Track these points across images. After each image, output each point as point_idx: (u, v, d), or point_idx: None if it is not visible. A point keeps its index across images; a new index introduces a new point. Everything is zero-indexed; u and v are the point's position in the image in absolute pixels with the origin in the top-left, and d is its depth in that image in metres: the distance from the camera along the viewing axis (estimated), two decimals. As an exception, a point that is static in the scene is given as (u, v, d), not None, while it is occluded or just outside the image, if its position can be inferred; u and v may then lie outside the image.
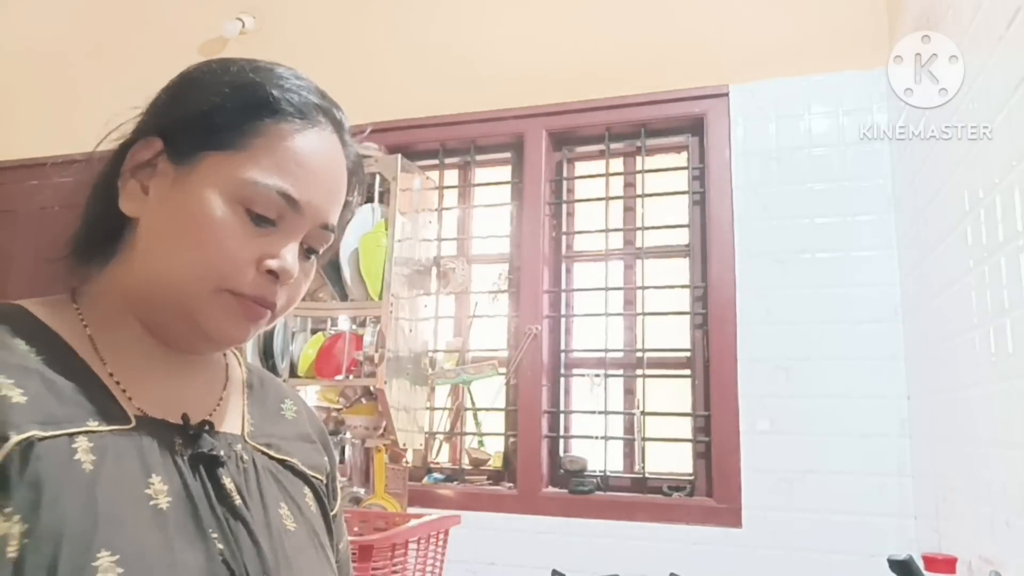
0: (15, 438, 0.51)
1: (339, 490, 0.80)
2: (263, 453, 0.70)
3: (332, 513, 0.76)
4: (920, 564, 1.47)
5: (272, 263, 0.62)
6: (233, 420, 0.70)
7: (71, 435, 0.54)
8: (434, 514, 2.16)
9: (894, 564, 1.44)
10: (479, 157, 2.76)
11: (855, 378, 2.13)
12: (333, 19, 2.89)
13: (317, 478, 0.74)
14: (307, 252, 0.67)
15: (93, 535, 0.52)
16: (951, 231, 1.64)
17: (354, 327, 2.58)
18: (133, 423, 0.59)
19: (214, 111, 0.63)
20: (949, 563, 1.53)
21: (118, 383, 0.61)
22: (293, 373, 2.50)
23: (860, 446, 2.10)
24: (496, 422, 2.61)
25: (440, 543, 2.10)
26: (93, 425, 0.56)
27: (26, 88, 3.33)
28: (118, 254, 0.66)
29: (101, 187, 0.66)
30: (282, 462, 0.71)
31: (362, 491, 2.42)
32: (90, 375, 0.60)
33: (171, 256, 0.61)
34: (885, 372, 2.11)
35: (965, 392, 1.58)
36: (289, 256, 0.63)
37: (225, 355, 0.75)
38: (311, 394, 2.67)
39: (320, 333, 2.57)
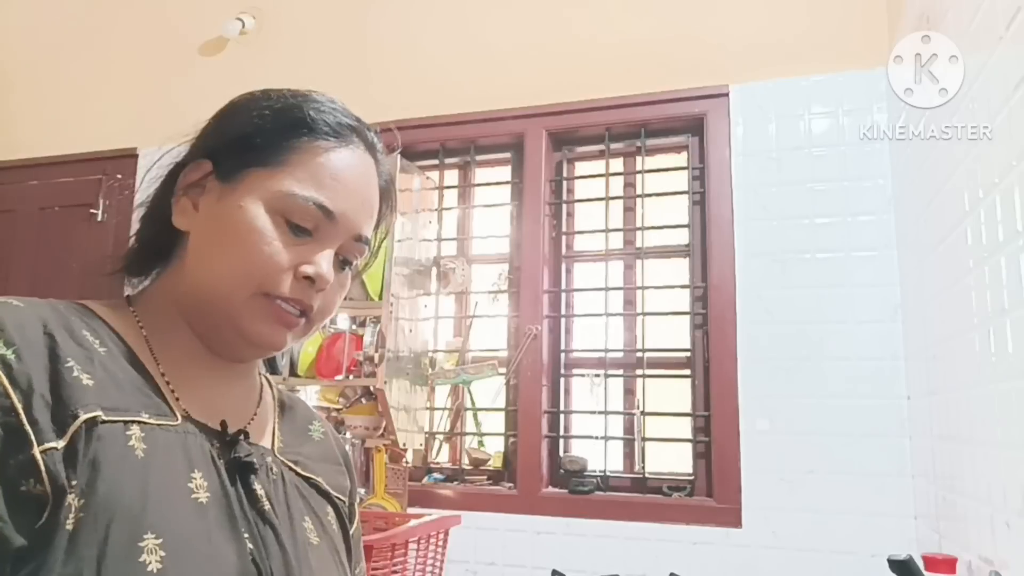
0: (83, 416, 0.55)
1: (358, 513, 0.83)
2: (290, 469, 0.73)
3: (351, 533, 0.79)
4: (920, 564, 1.47)
5: (308, 269, 0.66)
6: (265, 435, 0.74)
7: (126, 423, 0.58)
8: (434, 514, 2.17)
9: (894, 564, 1.44)
10: (479, 157, 2.76)
11: (855, 378, 2.13)
12: (333, 19, 2.89)
13: (340, 499, 0.78)
14: (342, 263, 0.71)
15: (142, 517, 0.55)
16: (951, 231, 1.64)
17: (354, 327, 2.58)
18: (179, 421, 0.63)
19: (256, 132, 0.68)
20: (949, 563, 1.53)
21: (168, 383, 0.65)
22: (293, 372, 2.50)
23: (860, 446, 2.10)
24: (496, 422, 2.61)
25: (440, 543, 2.11)
26: (145, 417, 0.60)
27: (26, 88, 3.33)
28: (170, 266, 0.71)
29: (156, 206, 0.72)
30: (307, 480, 0.75)
31: (362, 491, 2.42)
32: (145, 372, 0.64)
33: (216, 263, 0.66)
34: (885, 372, 2.11)
35: (965, 392, 1.57)
36: (324, 263, 0.67)
37: (260, 375, 0.79)
38: (311, 394, 2.67)
39: (319, 331, 2.57)
